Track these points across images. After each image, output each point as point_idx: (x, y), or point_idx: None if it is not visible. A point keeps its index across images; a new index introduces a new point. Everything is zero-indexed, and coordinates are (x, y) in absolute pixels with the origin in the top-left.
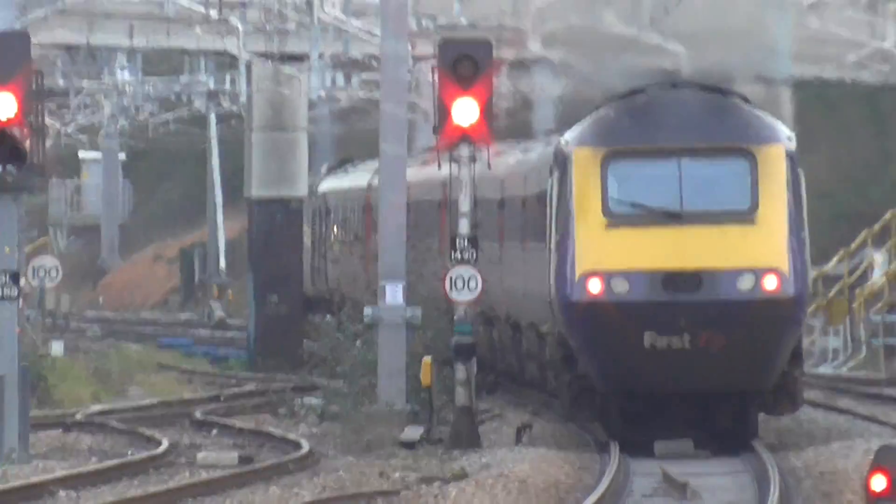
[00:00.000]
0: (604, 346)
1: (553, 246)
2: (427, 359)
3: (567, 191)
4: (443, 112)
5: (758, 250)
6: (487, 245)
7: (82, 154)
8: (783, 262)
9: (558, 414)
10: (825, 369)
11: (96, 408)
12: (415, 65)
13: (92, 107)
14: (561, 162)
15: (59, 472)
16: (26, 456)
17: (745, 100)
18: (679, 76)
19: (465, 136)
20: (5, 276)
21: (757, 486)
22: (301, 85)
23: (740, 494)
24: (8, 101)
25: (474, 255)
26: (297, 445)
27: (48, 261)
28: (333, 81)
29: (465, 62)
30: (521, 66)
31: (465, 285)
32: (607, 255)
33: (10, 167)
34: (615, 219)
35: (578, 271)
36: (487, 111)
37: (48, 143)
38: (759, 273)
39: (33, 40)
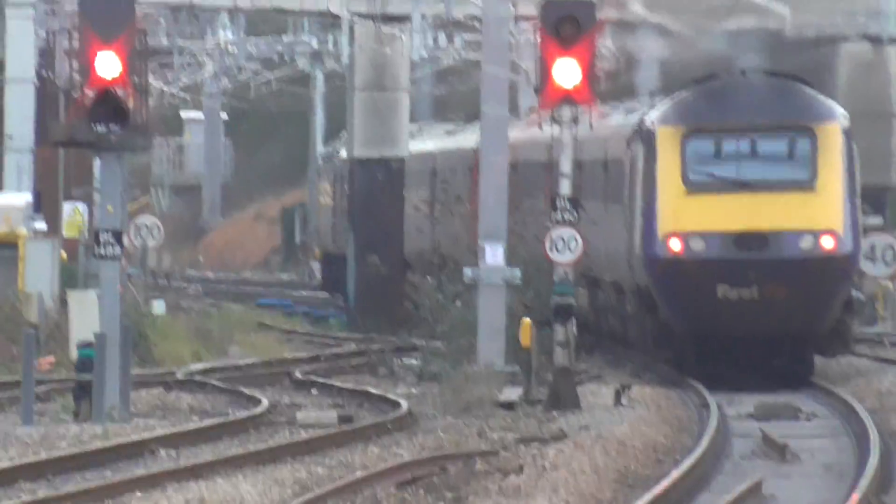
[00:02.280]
0: (682, 296)
1: (638, 210)
2: (526, 320)
3: (652, 163)
4: (545, 73)
5: (817, 214)
6: (591, 206)
7: (184, 114)
8: (839, 224)
9: (658, 375)
10: None
11: (197, 367)
12: (517, 25)
13: (194, 66)
14: (646, 137)
15: (160, 431)
16: (127, 414)
17: (807, 83)
18: (749, 64)
19: (567, 98)
20: (108, 235)
21: (857, 449)
22: (403, 45)
23: (839, 456)
24: (112, 60)
25: (576, 216)
26: (396, 405)
27: (150, 220)
28: (435, 42)
29: (567, 23)
30: (625, 26)
31: (565, 246)
32: (686, 218)
33: (113, 126)
34: (693, 187)
35: (661, 232)
36: (590, 72)
37: (151, 102)
38: (817, 234)
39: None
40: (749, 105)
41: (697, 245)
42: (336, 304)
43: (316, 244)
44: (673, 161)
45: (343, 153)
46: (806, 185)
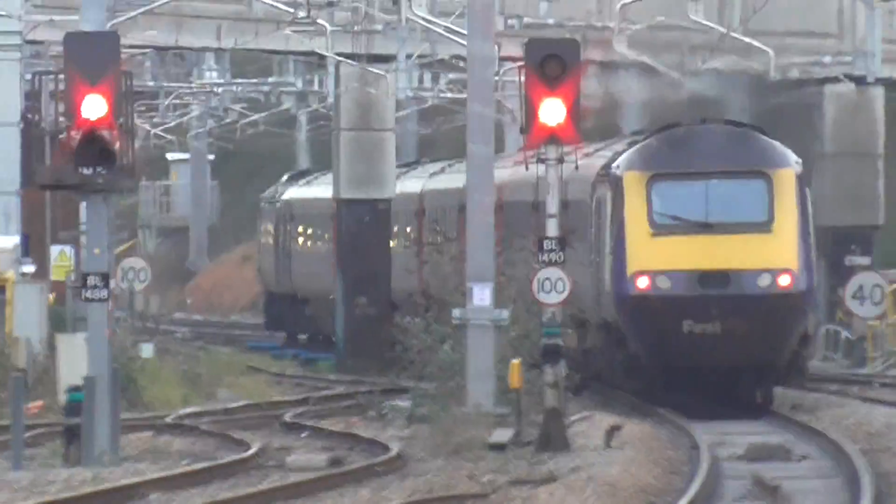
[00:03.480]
0: (650, 330)
1: (608, 250)
2: (515, 361)
3: (619, 206)
4: (530, 112)
5: (774, 254)
6: (580, 246)
7: (171, 156)
8: (794, 263)
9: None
10: None
11: (186, 410)
12: (501, 65)
13: (181, 108)
14: (614, 182)
15: (150, 475)
16: (117, 458)
17: (762, 132)
18: (707, 114)
19: (552, 137)
20: (95, 278)
21: (849, 490)
22: (388, 85)
23: (832, 498)
24: (98, 102)
25: (562, 256)
26: (386, 448)
27: (137, 262)
28: (420, 81)
29: (552, 62)
30: (608, 66)
31: (552, 287)
32: (652, 258)
33: (99, 169)
34: (658, 229)
35: (629, 271)
36: (574, 111)
37: (137, 144)
38: (775, 273)
39: (122, 42)
40: (709, 152)
41: (664, 283)
42: (325, 347)
43: (259, 283)
44: (639, 204)
45: (284, 194)
46: (763, 226)
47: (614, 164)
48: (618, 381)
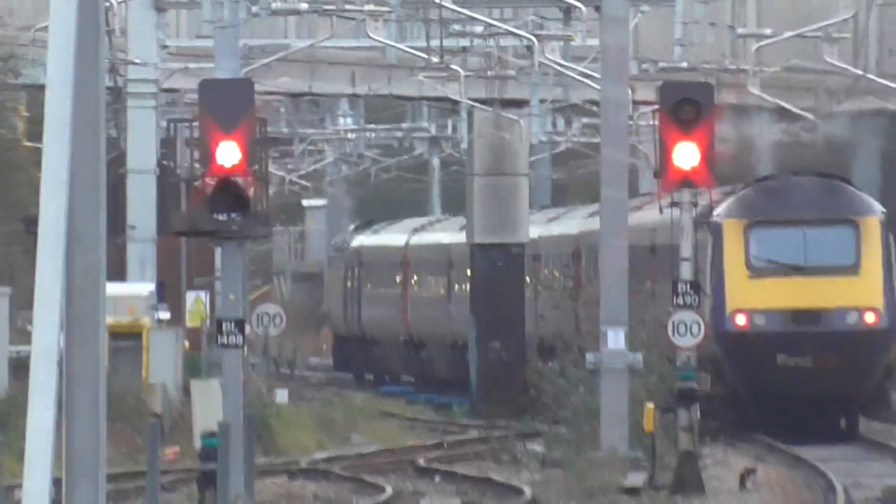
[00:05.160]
0: (747, 364)
1: (709, 291)
2: (650, 405)
3: (720, 250)
4: (664, 156)
5: (860, 294)
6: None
7: (306, 202)
8: (879, 303)
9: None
10: None
11: (320, 455)
12: (635, 109)
13: (315, 154)
14: (715, 229)
15: None
16: (252, 503)
17: (849, 182)
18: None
19: (686, 180)
20: (230, 324)
21: None
22: (521, 130)
23: None
24: (232, 149)
25: (696, 300)
26: (520, 492)
27: (272, 308)
28: (554, 126)
29: (686, 105)
30: (742, 109)
31: (687, 330)
32: (750, 297)
33: (234, 215)
34: (755, 271)
35: (729, 309)
36: (709, 155)
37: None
38: (861, 311)
39: (256, 88)
40: (802, 201)
41: (760, 320)
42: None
43: (328, 326)
44: (738, 249)
45: (354, 241)
46: (851, 269)
47: (715, 212)
48: (716, 413)
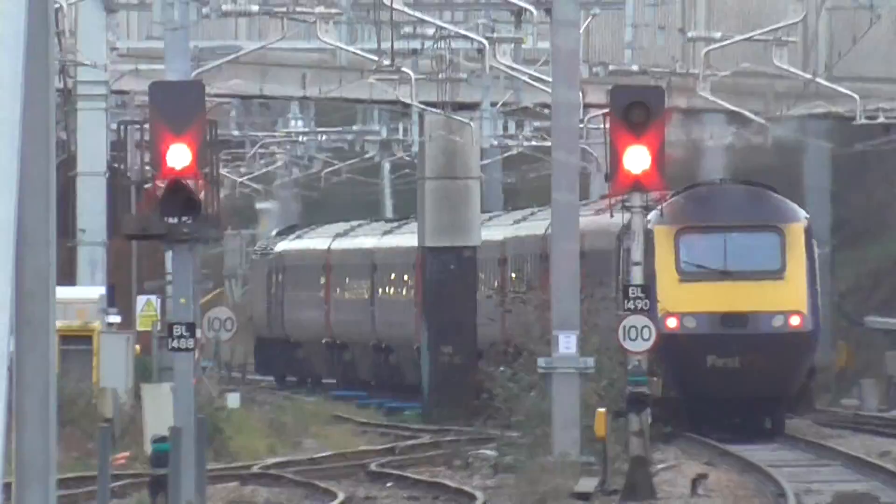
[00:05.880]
0: (679, 365)
1: None
2: (601, 410)
3: (651, 255)
4: (615, 159)
5: (786, 298)
6: (598, 292)
7: (259, 205)
8: (804, 306)
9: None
10: None
11: (272, 460)
12: (586, 112)
13: (266, 157)
14: (646, 235)
15: None
16: None
17: (774, 190)
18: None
19: (637, 184)
20: (181, 328)
21: None
22: (473, 133)
23: None
24: (183, 152)
25: (647, 304)
26: (472, 497)
27: (223, 312)
28: (505, 129)
29: (636, 109)
30: (692, 113)
31: (638, 335)
32: (680, 301)
33: (185, 218)
34: (685, 276)
35: (661, 312)
36: (660, 158)
37: (223, 193)
38: (787, 314)
39: (207, 91)
40: (728, 208)
41: (690, 323)
42: (410, 396)
43: (250, 330)
44: (668, 254)
45: (275, 247)
46: (776, 274)
47: (646, 220)
48: (669, 418)
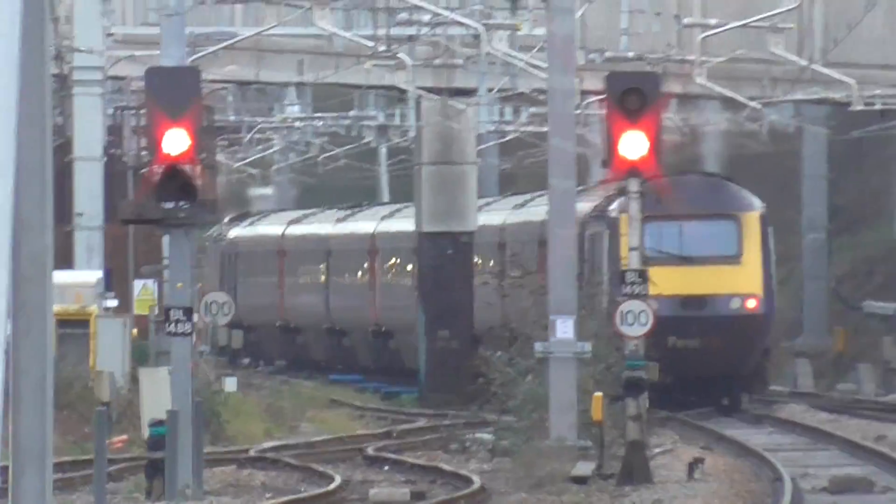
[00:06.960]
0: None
1: (605, 278)
2: (598, 394)
3: (616, 242)
4: (611, 145)
5: (742, 282)
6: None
7: (253, 190)
8: (759, 289)
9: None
10: None
11: (269, 444)
12: (582, 99)
13: (263, 143)
14: (611, 223)
15: None
16: (200, 492)
17: (731, 181)
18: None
19: (633, 170)
20: (178, 312)
21: None
22: (469, 119)
23: None
24: (179, 137)
25: (645, 289)
26: (469, 481)
27: (221, 296)
28: (501, 115)
29: (633, 95)
30: (688, 99)
31: (635, 319)
32: None
33: (181, 203)
34: (648, 261)
35: None
36: (656, 144)
37: (219, 178)
38: (743, 297)
39: (203, 76)
40: (690, 198)
41: (652, 305)
42: (408, 380)
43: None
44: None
45: (229, 234)
46: (734, 259)
47: (610, 207)
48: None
